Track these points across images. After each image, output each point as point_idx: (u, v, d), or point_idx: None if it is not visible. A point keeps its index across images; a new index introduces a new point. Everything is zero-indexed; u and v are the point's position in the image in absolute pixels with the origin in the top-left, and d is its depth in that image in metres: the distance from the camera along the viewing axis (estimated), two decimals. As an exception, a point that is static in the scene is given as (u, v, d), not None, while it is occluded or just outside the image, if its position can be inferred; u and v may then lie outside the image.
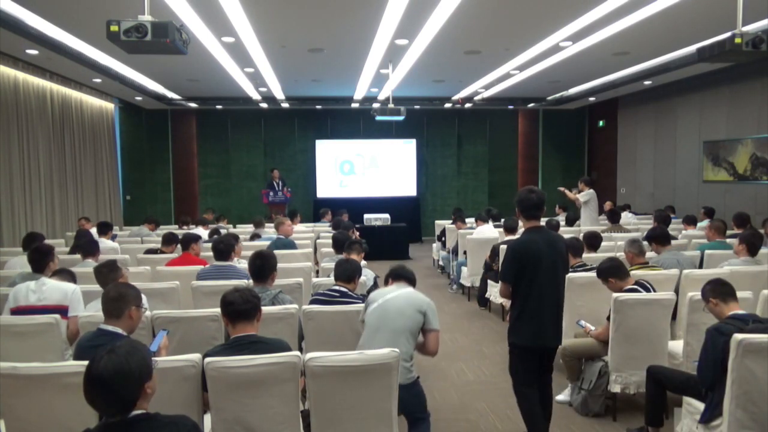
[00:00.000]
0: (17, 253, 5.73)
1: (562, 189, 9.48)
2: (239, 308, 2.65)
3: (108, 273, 3.57)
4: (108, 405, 1.77)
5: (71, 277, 3.90)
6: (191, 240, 5.41)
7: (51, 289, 3.65)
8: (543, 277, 3.19)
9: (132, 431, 1.77)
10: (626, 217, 9.30)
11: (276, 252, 5.91)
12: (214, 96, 12.15)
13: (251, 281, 3.75)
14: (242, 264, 4.82)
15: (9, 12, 5.76)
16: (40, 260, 4.05)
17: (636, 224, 8.60)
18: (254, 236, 7.27)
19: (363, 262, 4.85)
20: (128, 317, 2.70)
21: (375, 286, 4.57)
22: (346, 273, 3.82)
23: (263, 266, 3.63)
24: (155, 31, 3.76)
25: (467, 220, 8.91)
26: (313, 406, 2.65)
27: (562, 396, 4.24)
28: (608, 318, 3.84)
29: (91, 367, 1.77)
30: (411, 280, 3.37)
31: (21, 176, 8.57)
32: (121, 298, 2.70)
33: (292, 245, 6.37)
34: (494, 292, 6.55)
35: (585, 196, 8.78)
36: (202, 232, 7.58)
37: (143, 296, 2.94)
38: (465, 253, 7.80)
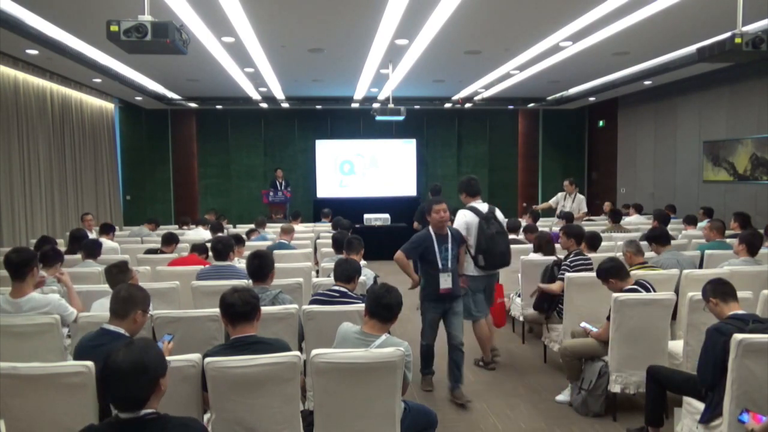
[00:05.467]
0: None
1: (537, 208, 9.53)
2: (239, 310, 2.65)
3: (118, 274, 3.56)
4: (123, 398, 1.80)
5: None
6: (204, 249, 5.47)
7: (32, 310, 3.45)
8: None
9: (143, 431, 1.78)
10: (638, 218, 9.02)
11: (276, 252, 5.94)
12: (214, 96, 12.14)
13: (251, 281, 3.76)
14: (242, 264, 4.82)
15: (9, 12, 5.76)
16: (16, 270, 3.49)
17: (636, 224, 8.56)
18: (251, 231, 7.47)
19: (363, 262, 4.85)
20: (132, 320, 2.70)
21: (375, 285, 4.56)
22: (346, 273, 3.83)
23: (261, 266, 3.64)
24: (155, 31, 3.76)
25: None
26: (317, 404, 2.65)
27: (562, 396, 4.25)
28: (608, 318, 3.85)
29: (109, 359, 1.82)
30: (388, 318, 2.86)
31: (21, 176, 8.57)
32: (130, 299, 2.71)
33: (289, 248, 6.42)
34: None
35: (581, 202, 8.98)
36: (203, 232, 7.59)
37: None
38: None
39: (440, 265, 4.24)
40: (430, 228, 4.35)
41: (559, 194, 9.33)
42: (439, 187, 8.27)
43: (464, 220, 4.71)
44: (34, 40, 6.44)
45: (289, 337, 3.29)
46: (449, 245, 4.30)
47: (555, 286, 4.74)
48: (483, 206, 4.79)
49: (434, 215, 4.29)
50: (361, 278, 4.13)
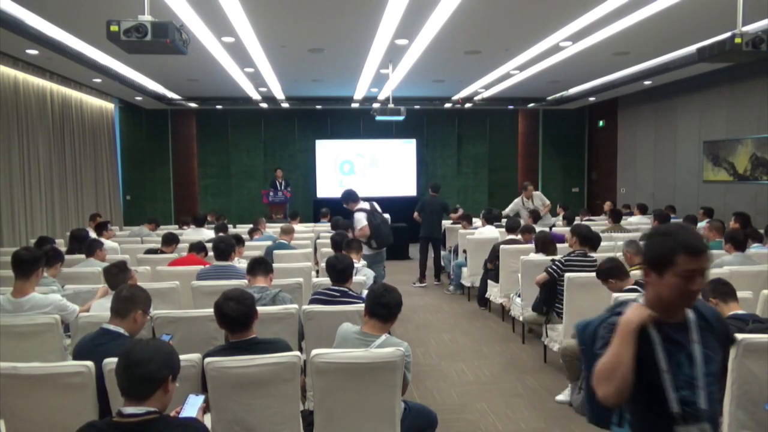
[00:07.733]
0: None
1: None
2: (236, 320, 2.65)
3: (117, 273, 3.56)
4: (139, 377, 1.81)
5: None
6: (201, 248, 5.48)
7: (33, 309, 3.46)
8: (430, 214, 8.43)
9: (143, 431, 1.77)
10: (639, 218, 8.98)
11: (276, 252, 5.95)
12: (214, 96, 12.14)
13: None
14: (242, 264, 4.82)
15: (9, 12, 5.76)
16: (24, 268, 3.52)
17: (637, 224, 8.56)
18: (253, 231, 7.48)
19: (362, 262, 4.86)
20: (133, 320, 2.71)
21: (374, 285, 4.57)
22: (339, 273, 3.81)
23: (263, 262, 3.70)
24: (155, 31, 3.76)
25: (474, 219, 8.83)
26: (317, 404, 2.65)
27: (562, 396, 4.24)
28: (608, 318, 3.84)
29: (128, 348, 1.87)
30: (388, 317, 2.88)
31: (21, 176, 8.57)
32: (132, 299, 2.72)
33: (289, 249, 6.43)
34: (494, 292, 6.54)
35: (540, 197, 9.19)
36: (203, 231, 7.58)
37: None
38: (465, 252, 7.80)
39: (676, 405, 1.67)
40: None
41: (516, 200, 9.33)
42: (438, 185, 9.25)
43: (358, 220, 6.22)
44: (34, 40, 6.44)
45: (289, 337, 3.29)
46: (696, 348, 1.72)
47: (538, 277, 4.94)
48: (366, 205, 6.33)
49: (669, 289, 1.70)
50: (362, 278, 4.13)
